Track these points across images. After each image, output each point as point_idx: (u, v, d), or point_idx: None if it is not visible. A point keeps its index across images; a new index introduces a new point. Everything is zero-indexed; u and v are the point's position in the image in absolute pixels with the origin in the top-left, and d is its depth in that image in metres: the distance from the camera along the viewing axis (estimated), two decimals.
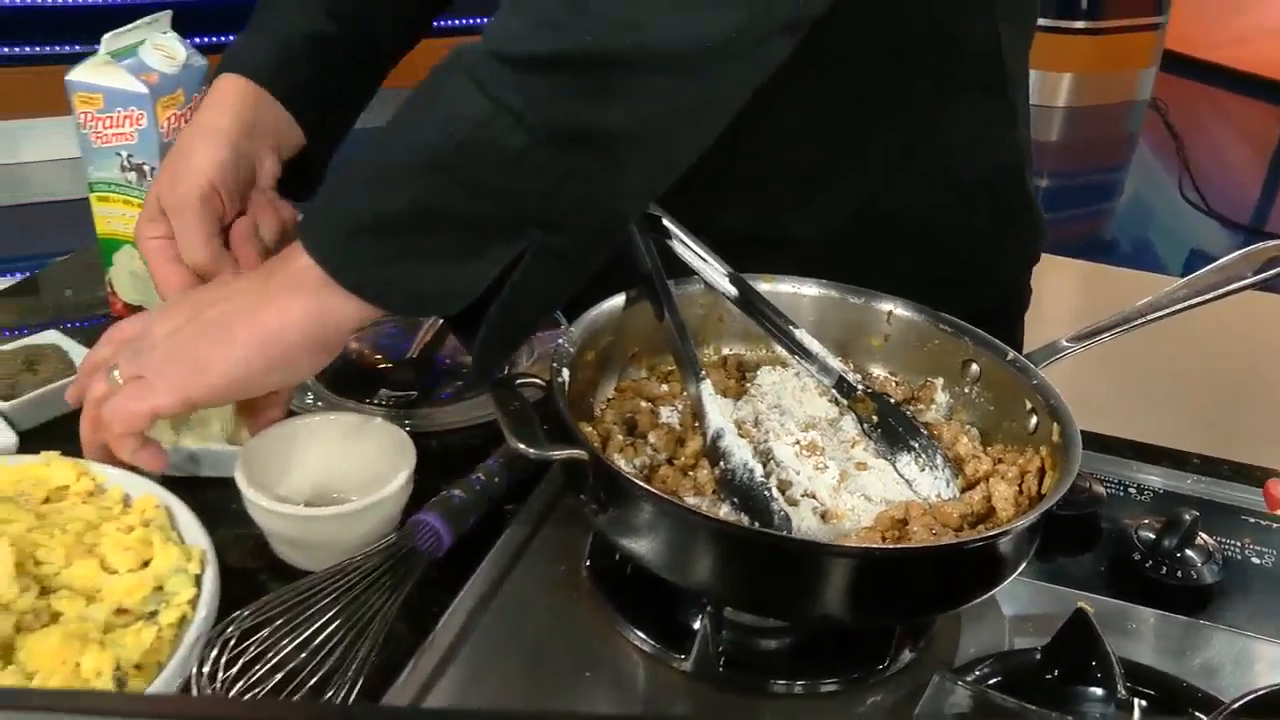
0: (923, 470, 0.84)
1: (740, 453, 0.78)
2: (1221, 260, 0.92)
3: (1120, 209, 5.01)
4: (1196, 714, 0.71)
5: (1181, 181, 4.96)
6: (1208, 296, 0.90)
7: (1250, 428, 2.99)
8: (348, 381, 1.04)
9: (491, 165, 0.70)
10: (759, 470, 0.77)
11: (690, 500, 0.78)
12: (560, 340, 0.83)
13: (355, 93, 1.09)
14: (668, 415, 0.85)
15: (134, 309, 1.15)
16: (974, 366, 0.91)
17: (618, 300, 0.89)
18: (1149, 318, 0.89)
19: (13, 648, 0.66)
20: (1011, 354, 0.88)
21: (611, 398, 0.89)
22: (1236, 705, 0.69)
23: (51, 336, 1.05)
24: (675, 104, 0.71)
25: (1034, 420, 0.85)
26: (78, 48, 3.89)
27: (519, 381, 0.79)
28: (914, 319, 0.93)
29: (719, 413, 0.80)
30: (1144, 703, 0.72)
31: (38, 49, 4.04)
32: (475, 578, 0.82)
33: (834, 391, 0.89)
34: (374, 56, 1.09)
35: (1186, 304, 0.90)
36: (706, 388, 0.82)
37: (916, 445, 0.85)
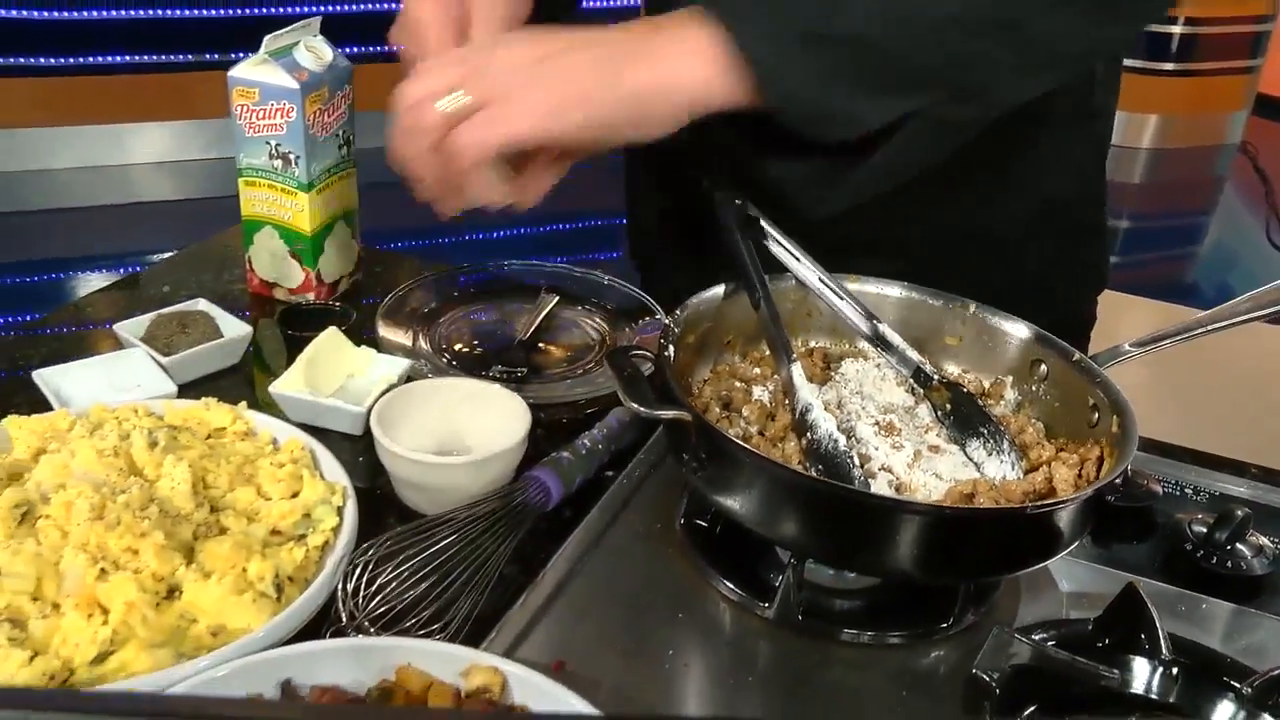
0: (990, 455, 0.92)
1: (826, 425, 0.86)
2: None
3: (1204, 253, 4.99)
4: (1232, 681, 0.78)
5: (1269, 226, 4.93)
6: (1267, 311, 0.96)
7: None
8: (463, 361, 1.14)
9: (933, 24, 0.80)
10: (843, 441, 0.86)
11: None
12: (667, 321, 0.93)
13: None
14: (759, 394, 0.94)
15: (270, 285, 1.27)
16: (1043, 367, 0.98)
17: (717, 291, 0.99)
18: (1210, 328, 0.96)
19: (193, 550, 0.77)
20: (1077, 355, 0.96)
21: (708, 379, 0.98)
22: (1274, 673, 0.76)
23: (201, 305, 1.17)
24: (1077, 45, 0.87)
25: (1096, 415, 0.92)
26: (189, 57, 4.11)
27: (632, 353, 0.88)
28: (989, 321, 1.01)
29: (808, 390, 0.89)
30: (1182, 671, 0.78)
31: (148, 57, 4.24)
32: (580, 529, 0.91)
33: (911, 381, 0.97)
34: None
35: (1245, 317, 0.96)
36: (797, 369, 0.90)
37: (986, 431, 0.92)
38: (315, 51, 1.20)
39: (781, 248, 1.00)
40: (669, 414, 0.81)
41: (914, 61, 0.83)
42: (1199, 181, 5.60)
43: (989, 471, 0.91)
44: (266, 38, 1.17)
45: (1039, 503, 0.81)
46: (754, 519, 0.80)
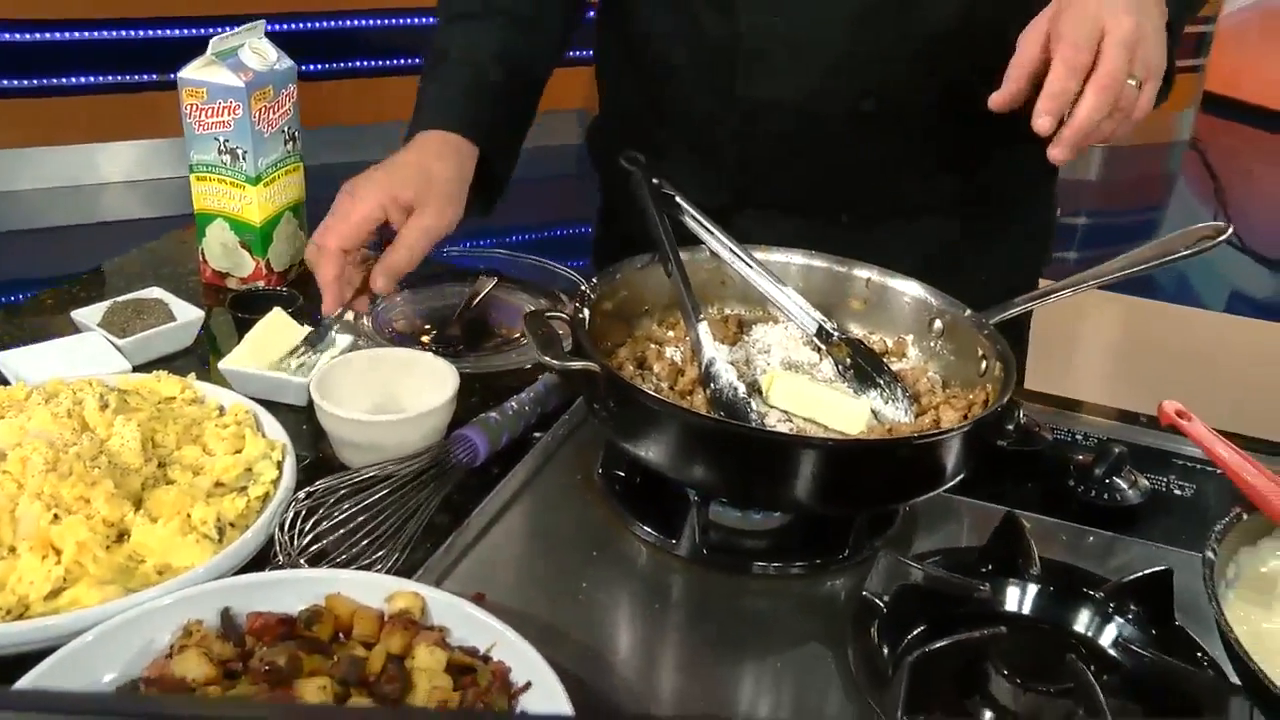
0: (887, 403, 0.99)
1: (727, 375, 0.94)
2: (1161, 238, 1.06)
3: None
4: (1090, 591, 0.85)
5: (1218, 219, 5.03)
6: (1143, 267, 1.04)
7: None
8: (403, 339, 1.21)
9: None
10: (742, 389, 0.93)
11: None
12: (583, 287, 1.00)
13: (527, 118, 1.26)
14: (671, 353, 1.01)
15: (222, 275, 1.33)
16: (938, 323, 1.06)
17: (635, 262, 1.06)
18: (1090, 284, 1.03)
19: (141, 499, 0.84)
20: (968, 311, 1.03)
21: (625, 342, 1.05)
22: (1125, 580, 0.83)
23: (155, 292, 1.23)
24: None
25: (984, 364, 1.00)
26: (154, 76, 4.18)
27: (548, 315, 0.95)
28: (888, 284, 1.08)
29: (712, 347, 0.96)
30: (1051, 586, 0.86)
31: (115, 77, 4.29)
32: (505, 481, 0.98)
33: (815, 340, 1.04)
34: (536, 88, 1.25)
35: (1124, 273, 1.04)
36: (703, 328, 0.98)
37: (883, 382, 1.00)
38: (259, 52, 1.27)
39: (695, 222, 1.08)
40: (578, 365, 0.88)
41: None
42: (1152, 178, 5.72)
43: (886, 417, 0.98)
44: (213, 40, 1.24)
45: (922, 433, 0.88)
46: (660, 461, 0.87)
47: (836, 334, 1.03)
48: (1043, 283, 1.17)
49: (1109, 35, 0.92)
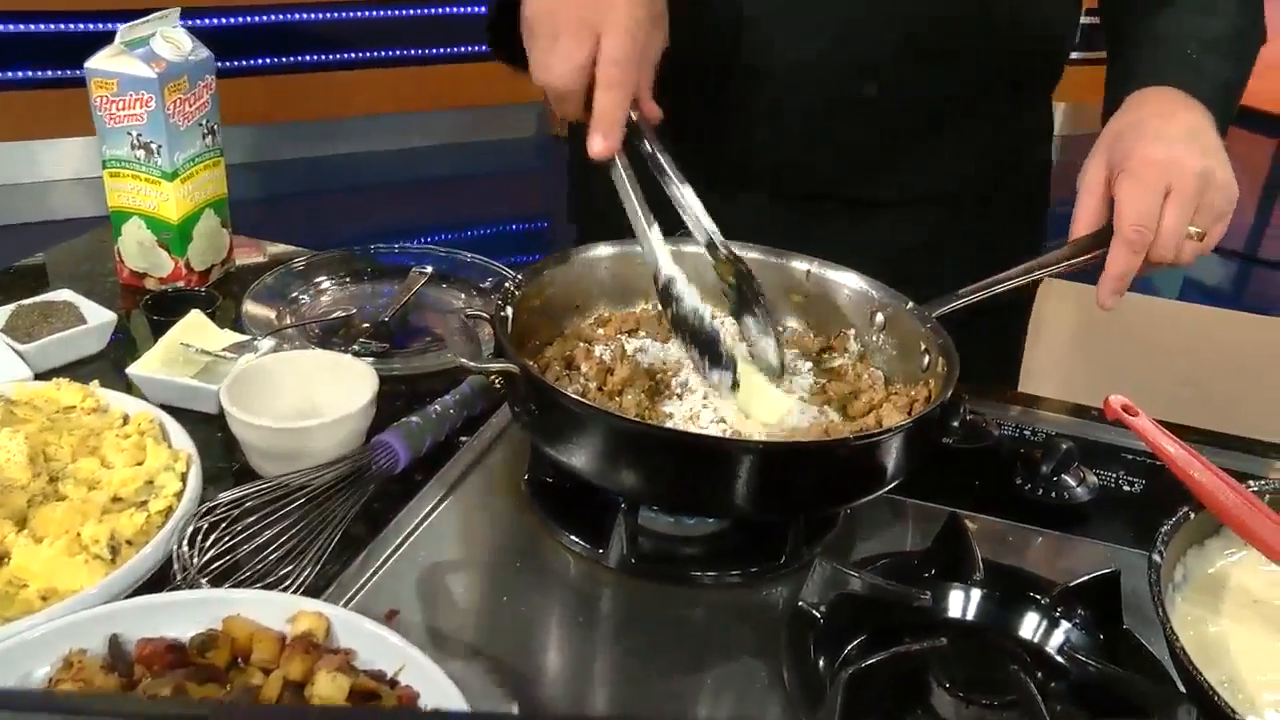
0: (760, 334, 0.95)
1: (691, 299, 0.89)
2: (1073, 238, 1.02)
3: None
4: (1036, 595, 0.81)
5: None
6: (1088, 256, 1.00)
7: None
8: (328, 339, 1.16)
9: None
10: (708, 314, 0.89)
11: None
12: (506, 284, 0.95)
13: None
14: (600, 352, 0.96)
15: (140, 275, 1.27)
16: (879, 316, 1.02)
17: (563, 257, 1.01)
18: (1037, 273, 0.99)
19: (26, 518, 0.78)
20: (910, 303, 0.99)
21: (553, 342, 1.00)
22: (1072, 585, 0.80)
23: (65, 294, 1.17)
24: None
25: (926, 359, 0.96)
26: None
27: (469, 314, 0.91)
28: (828, 276, 1.04)
29: (670, 262, 0.91)
30: (996, 591, 0.82)
31: (58, 72, 4.19)
32: (426, 489, 0.94)
33: (706, 251, 0.97)
34: None
35: (1070, 262, 1.00)
36: (656, 234, 0.92)
37: (759, 313, 0.95)
38: (173, 41, 1.21)
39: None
40: (496, 366, 0.84)
41: None
42: None
43: (758, 350, 0.95)
44: (121, 28, 1.18)
45: (862, 433, 0.84)
46: (584, 467, 0.83)
47: (725, 251, 0.97)
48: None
49: (1173, 195, 0.92)
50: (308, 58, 4.35)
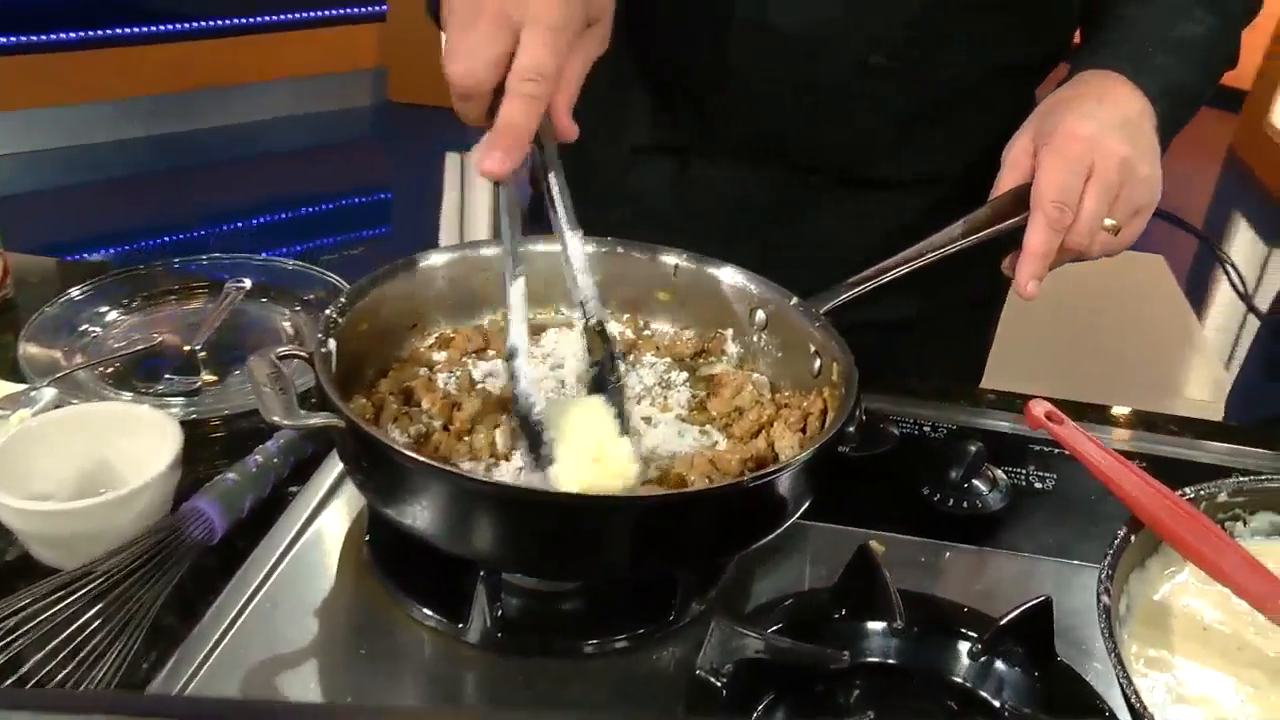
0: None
1: (525, 380, 0.74)
2: (993, 200, 0.93)
3: None
4: (968, 632, 0.72)
5: None
6: (984, 234, 0.90)
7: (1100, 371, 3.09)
8: (125, 379, 0.99)
9: None
10: (538, 404, 0.75)
11: (465, 465, 0.75)
12: (328, 310, 0.80)
13: None
14: (444, 381, 0.83)
15: None
16: (760, 314, 0.90)
17: (391, 270, 0.87)
18: (927, 257, 0.89)
19: None
20: (795, 299, 0.88)
21: (391, 369, 0.86)
22: (1003, 622, 0.70)
23: None
24: None
25: (818, 363, 0.85)
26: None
27: (279, 353, 0.76)
28: (699, 270, 0.92)
29: (520, 330, 0.76)
30: (917, 632, 0.72)
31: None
32: (250, 559, 0.79)
33: (578, 307, 0.84)
34: None
35: (963, 242, 0.90)
36: (518, 289, 0.77)
37: (610, 402, 0.80)
38: None
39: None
40: (316, 421, 0.69)
41: None
42: None
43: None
44: None
45: (757, 474, 0.72)
46: (430, 532, 0.69)
47: (595, 320, 0.83)
48: None
49: (1094, 177, 0.85)
50: (97, 33, 3.94)
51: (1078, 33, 1.07)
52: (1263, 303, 3.86)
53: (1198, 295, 3.77)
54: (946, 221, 0.92)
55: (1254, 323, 3.61)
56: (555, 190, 0.81)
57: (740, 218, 1.09)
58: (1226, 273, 3.65)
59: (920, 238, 0.91)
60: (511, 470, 0.76)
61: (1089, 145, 0.86)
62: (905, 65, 0.99)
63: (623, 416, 0.79)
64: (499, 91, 0.74)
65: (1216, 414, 2.50)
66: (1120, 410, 1.06)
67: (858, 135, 1.05)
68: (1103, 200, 0.85)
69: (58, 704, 0.40)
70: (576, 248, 0.81)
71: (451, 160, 4.24)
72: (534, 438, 0.74)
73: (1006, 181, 0.90)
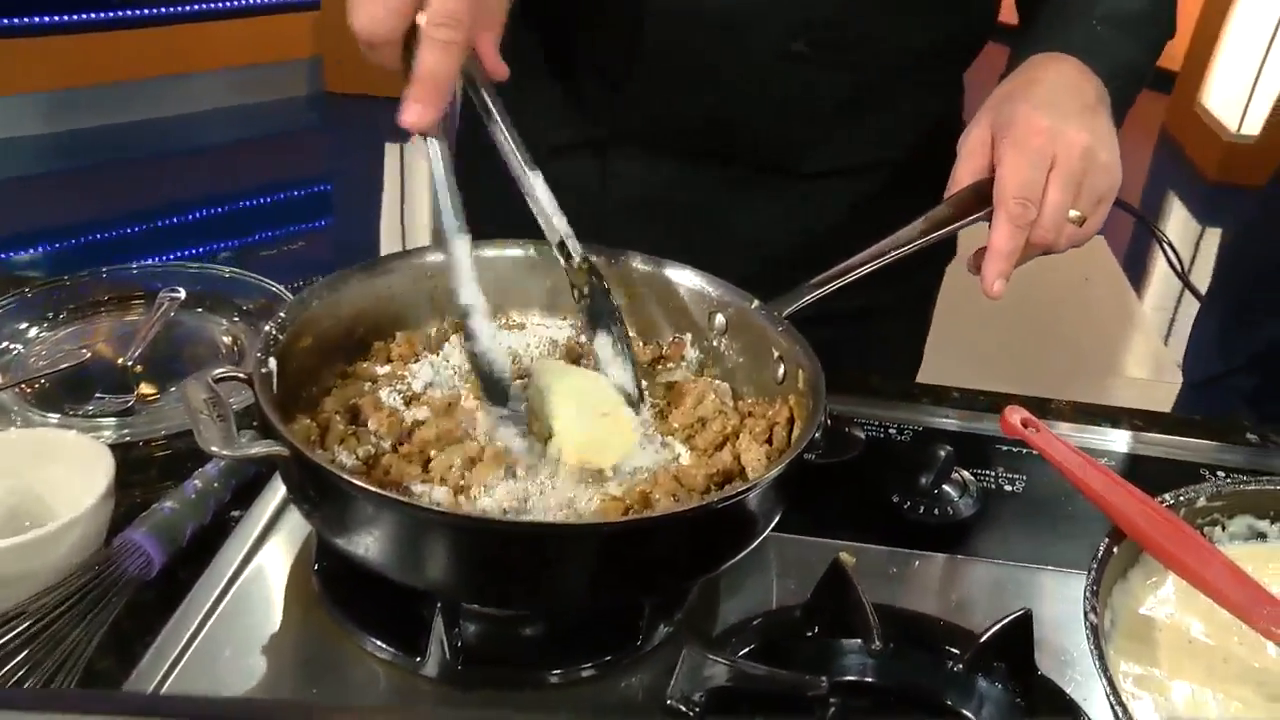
0: (615, 355, 0.82)
1: (484, 339, 0.74)
2: (950, 196, 0.90)
3: None
4: (947, 648, 0.69)
5: None
6: (945, 231, 0.88)
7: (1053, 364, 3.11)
8: (52, 399, 0.94)
9: None
10: (501, 364, 0.74)
11: (418, 488, 0.71)
12: (267, 326, 0.76)
13: None
14: (389, 398, 0.78)
15: None
16: (720, 318, 0.87)
17: (332, 281, 0.83)
18: (888, 256, 0.86)
19: None
20: (756, 302, 0.85)
21: (335, 385, 0.82)
22: (984, 639, 0.68)
23: None
24: None
25: (782, 369, 0.82)
26: None
27: (215, 376, 0.71)
28: (657, 273, 0.89)
29: (472, 288, 0.75)
30: (894, 650, 0.70)
31: None
32: (192, 594, 0.74)
33: (556, 252, 0.83)
34: None
35: (928, 238, 0.88)
36: (462, 244, 0.75)
37: (614, 331, 0.83)
38: None
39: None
40: (258, 450, 0.65)
41: None
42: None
43: (610, 373, 0.82)
44: None
45: (725, 494, 0.69)
46: (383, 562, 0.66)
47: (579, 255, 0.83)
48: None
49: (1056, 169, 0.83)
50: (19, 21, 3.79)
51: (1009, 9, 1.04)
52: (1199, 279, 3.91)
53: (1136, 274, 3.80)
54: (882, 211, 0.90)
55: (1191, 300, 3.65)
56: (504, 133, 0.79)
57: (666, 212, 1.06)
58: (1164, 251, 3.70)
59: (855, 229, 0.88)
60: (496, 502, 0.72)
61: (1050, 137, 0.83)
62: (827, 52, 0.96)
63: (634, 363, 0.81)
64: (415, 42, 0.70)
65: (1166, 393, 2.51)
66: (1082, 403, 1.04)
67: (781, 124, 1.02)
68: (1067, 192, 0.83)
69: (58, 704, 0.40)
70: (540, 187, 0.80)
71: (391, 151, 4.16)
72: (500, 395, 0.73)
73: (963, 173, 0.88)
